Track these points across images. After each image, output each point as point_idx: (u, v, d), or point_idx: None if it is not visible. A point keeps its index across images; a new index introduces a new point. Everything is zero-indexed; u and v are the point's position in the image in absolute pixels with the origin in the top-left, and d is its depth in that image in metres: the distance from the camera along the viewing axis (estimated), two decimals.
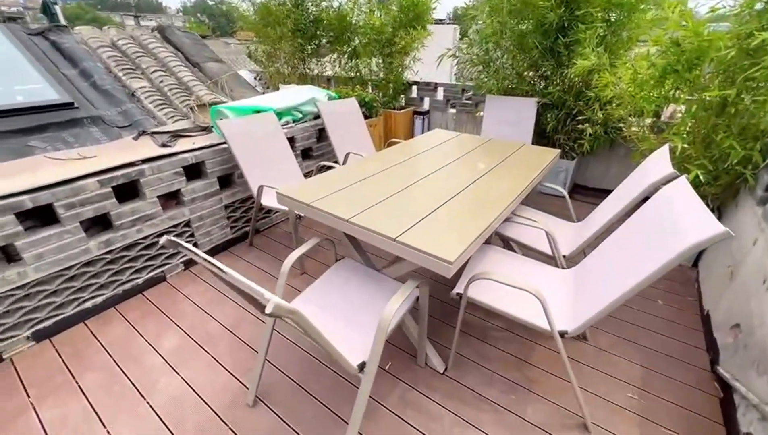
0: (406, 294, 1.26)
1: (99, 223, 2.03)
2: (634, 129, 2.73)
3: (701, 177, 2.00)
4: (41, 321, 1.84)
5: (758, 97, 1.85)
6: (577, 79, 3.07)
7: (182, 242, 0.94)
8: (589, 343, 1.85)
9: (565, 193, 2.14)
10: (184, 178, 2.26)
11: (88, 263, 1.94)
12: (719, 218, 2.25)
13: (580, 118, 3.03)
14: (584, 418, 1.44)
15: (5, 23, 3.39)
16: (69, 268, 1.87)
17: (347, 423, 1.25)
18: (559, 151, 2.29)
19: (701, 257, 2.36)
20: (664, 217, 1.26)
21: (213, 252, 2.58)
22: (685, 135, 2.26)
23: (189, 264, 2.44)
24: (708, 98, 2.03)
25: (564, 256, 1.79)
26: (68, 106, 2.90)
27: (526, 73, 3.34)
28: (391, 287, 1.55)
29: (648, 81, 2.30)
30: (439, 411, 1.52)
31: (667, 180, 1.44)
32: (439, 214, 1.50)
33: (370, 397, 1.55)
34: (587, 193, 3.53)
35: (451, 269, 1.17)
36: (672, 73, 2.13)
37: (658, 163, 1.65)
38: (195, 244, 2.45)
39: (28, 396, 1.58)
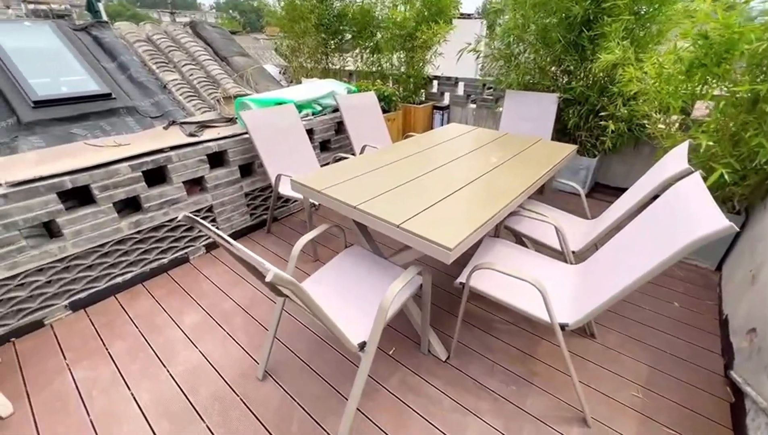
0: (407, 279, 1.30)
1: (130, 205, 2.19)
2: (660, 126, 2.63)
3: (726, 176, 1.92)
4: (77, 292, 2.01)
5: None
6: (601, 74, 2.99)
7: (197, 218, 1.02)
8: (596, 341, 1.83)
9: (580, 189, 2.11)
10: (208, 165, 2.39)
11: (120, 241, 2.10)
12: (746, 220, 2.16)
13: (603, 114, 2.95)
14: (584, 413, 1.44)
15: (54, 20, 3.66)
16: (102, 245, 2.03)
17: (347, 399, 1.32)
18: (576, 146, 2.25)
19: (725, 261, 2.27)
20: (673, 212, 1.24)
21: (232, 237, 2.70)
22: (712, 132, 2.16)
23: (210, 247, 2.58)
24: (738, 94, 1.94)
25: (574, 252, 1.77)
26: (107, 96, 3.11)
27: (548, 67, 3.28)
28: (396, 274, 1.59)
29: (675, 76, 2.21)
30: (438, 396, 1.56)
31: (681, 176, 1.40)
32: (445, 203, 1.52)
33: (372, 378, 1.62)
34: (609, 193, 3.43)
35: (450, 256, 1.20)
36: (700, 68, 2.04)
37: (675, 159, 1.61)
38: (216, 229, 2.58)
39: (65, 358, 1.74)
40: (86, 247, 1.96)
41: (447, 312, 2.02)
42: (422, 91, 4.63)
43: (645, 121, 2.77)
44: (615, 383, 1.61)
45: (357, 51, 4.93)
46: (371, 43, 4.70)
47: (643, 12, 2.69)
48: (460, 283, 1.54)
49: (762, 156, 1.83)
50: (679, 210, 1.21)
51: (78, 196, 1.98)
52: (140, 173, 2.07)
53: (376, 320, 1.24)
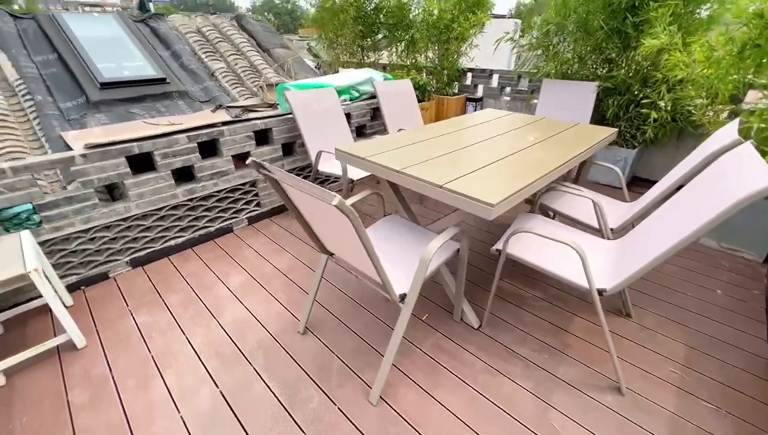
0: (448, 236, 1.36)
1: (183, 177, 2.37)
2: (708, 114, 2.54)
3: None
4: (137, 251, 2.21)
5: None
6: (645, 61, 2.92)
7: (265, 163, 1.13)
8: (633, 321, 1.81)
9: (618, 170, 2.09)
10: (254, 142, 2.55)
11: (175, 207, 2.28)
12: None
13: (644, 101, 2.88)
14: (619, 383, 1.45)
15: (118, 11, 3.98)
16: (160, 209, 2.22)
17: (382, 355, 1.40)
18: (616, 130, 2.23)
19: None
20: (722, 176, 1.23)
21: (273, 212, 2.85)
22: (765, 119, 2.08)
23: (252, 220, 2.73)
24: None
25: (612, 229, 1.77)
26: (162, 81, 3.37)
27: (588, 56, 3.23)
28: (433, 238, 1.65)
29: (725, 58, 2.14)
30: (471, 359, 1.61)
31: (731, 147, 1.38)
32: (484, 171, 1.57)
33: (407, 340, 1.69)
34: (648, 186, 3.28)
35: (493, 212, 1.25)
36: (754, 48, 1.98)
37: (724, 134, 1.58)
38: (258, 204, 2.74)
39: (127, 305, 1.92)
40: (147, 209, 2.15)
41: (479, 287, 2.05)
42: (455, 83, 4.65)
43: (691, 108, 2.68)
44: (652, 360, 1.60)
45: (391, 46, 5.03)
46: (407, 36, 4.78)
47: None
48: (497, 249, 1.58)
49: None
50: (728, 174, 1.20)
51: (138, 166, 2.17)
52: (196, 144, 2.24)
53: (416, 272, 1.31)
